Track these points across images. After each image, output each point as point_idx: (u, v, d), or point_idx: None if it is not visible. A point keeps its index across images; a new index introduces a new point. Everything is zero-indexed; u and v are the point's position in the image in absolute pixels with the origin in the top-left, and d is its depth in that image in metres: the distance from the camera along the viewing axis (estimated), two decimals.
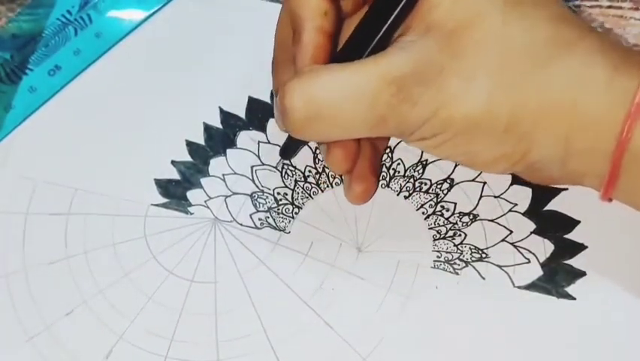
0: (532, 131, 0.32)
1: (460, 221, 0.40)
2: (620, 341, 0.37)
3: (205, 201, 0.41)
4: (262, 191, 0.41)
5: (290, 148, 0.37)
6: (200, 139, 0.43)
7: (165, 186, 0.42)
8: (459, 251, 0.39)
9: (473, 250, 0.39)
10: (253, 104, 0.43)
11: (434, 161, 0.41)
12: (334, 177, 0.41)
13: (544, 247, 0.39)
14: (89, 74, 0.45)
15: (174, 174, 0.42)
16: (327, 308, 0.38)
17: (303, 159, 0.41)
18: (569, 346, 0.37)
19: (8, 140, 0.43)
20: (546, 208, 0.40)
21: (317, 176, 0.41)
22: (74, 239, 0.41)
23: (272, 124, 0.43)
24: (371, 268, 0.39)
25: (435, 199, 0.40)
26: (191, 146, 0.43)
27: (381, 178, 0.41)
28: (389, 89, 0.31)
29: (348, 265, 0.39)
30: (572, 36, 0.32)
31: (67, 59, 0.45)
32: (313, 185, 0.41)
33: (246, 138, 0.43)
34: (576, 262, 0.38)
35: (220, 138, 0.43)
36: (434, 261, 0.39)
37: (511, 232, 0.39)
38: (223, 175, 0.42)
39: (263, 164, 0.42)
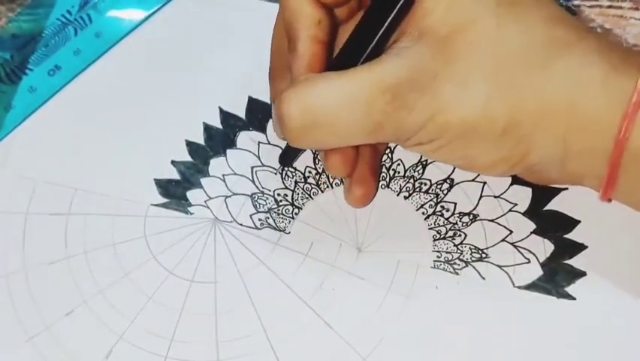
0: (530, 133, 0.32)
1: (460, 221, 0.40)
2: (620, 341, 0.37)
3: (205, 202, 0.41)
4: (262, 192, 0.41)
5: (289, 155, 0.38)
6: (200, 139, 0.43)
7: (165, 186, 0.42)
8: (459, 251, 0.39)
9: (473, 250, 0.39)
10: (253, 104, 0.43)
11: (434, 161, 0.41)
12: (334, 178, 0.41)
13: (544, 247, 0.39)
14: (89, 74, 0.45)
15: (174, 174, 0.42)
16: (327, 308, 0.38)
17: (303, 160, 0.41)
18: (569, 346, 0.37)
19: (8, 140, 0.43)
20: (546, 208, 0.40)
21: (317, 177, 0.41)
22: (74, 239, 0.41)
23: (272, 125, 0.43)
24: (371, 268, 0.39)
25: (435, 199, 0.40)
26: (191, 146, 0.43)
27: (381, 179, 0.41)
28: (384, 97, 0.31)
29: (348, 265, 0.39)
30: (569, 37, 0.32)
31: (67, 59, 0.45)
32: (313, 185, 0.41)
33: (246, 138, 0.43)
34: (576, 262, 0.38)
35: (220, 138, 0.43)
36: (434, 261, 0.39)
37: (511, 231, 0.39)
38: (223, 176, 0.42)
39: (263, 165, 0.42)
